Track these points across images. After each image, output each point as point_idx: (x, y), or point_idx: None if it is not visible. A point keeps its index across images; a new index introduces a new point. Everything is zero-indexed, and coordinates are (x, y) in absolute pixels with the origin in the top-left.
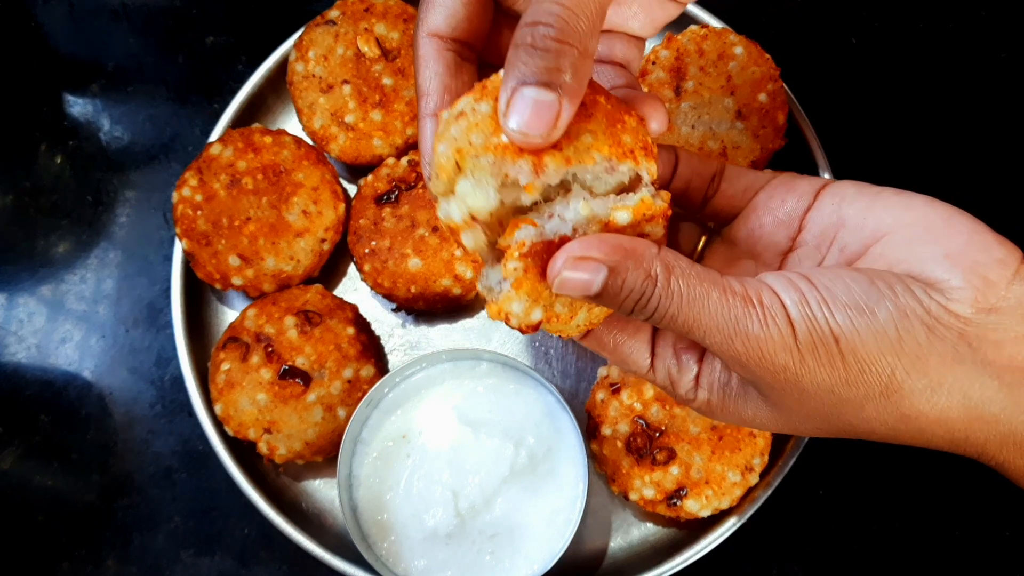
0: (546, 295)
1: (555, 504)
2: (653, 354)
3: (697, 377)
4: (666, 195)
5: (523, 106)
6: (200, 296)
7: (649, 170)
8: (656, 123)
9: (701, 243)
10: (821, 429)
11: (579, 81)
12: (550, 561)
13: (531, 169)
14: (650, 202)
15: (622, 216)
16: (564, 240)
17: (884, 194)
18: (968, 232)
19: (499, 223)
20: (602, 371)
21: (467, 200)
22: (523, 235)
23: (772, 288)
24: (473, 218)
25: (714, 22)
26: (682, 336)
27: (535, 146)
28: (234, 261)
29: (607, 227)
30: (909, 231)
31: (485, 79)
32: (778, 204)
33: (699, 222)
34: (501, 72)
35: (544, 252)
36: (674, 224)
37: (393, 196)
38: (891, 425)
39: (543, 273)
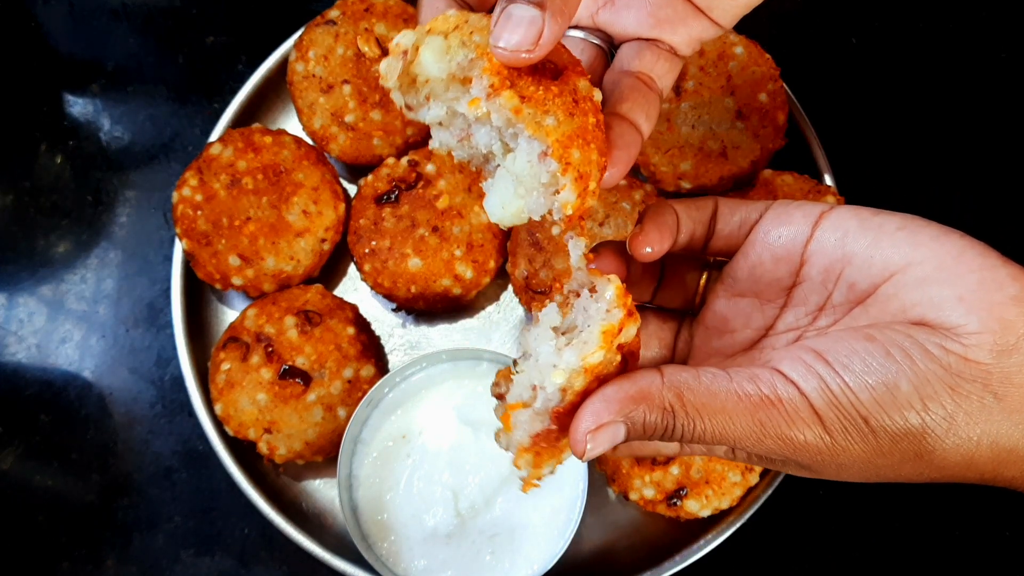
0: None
1: (555, 504)
2: None
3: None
4: (627, 301)
5: (509, 23)
6: (200, 296)
7: (566, 194)
8: (614, 172)
9: (703, 282)
10: (863, 481)
11: (566, 3)
12: (550, 561)
13: (488, 87)
14: (612, 324)
15: (596, 358)
16: (561, 413)
17: (887, 227)
18: (980, 269)
19: (426, 98)
20: None
21: (424, 48)
22: (520, 433)
23: (788, 377)
24: (404, 55)
25: None
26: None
27: (521, 61)
28: (234, 261)
29: (590, 372)
30: (919, 270)
31: None
32: (775, 238)
33: (698, 260)
34: None
35: (545, 430)
36: (673, 266)
37: (393, 196)
38: (927, 475)
39: (554, 436)
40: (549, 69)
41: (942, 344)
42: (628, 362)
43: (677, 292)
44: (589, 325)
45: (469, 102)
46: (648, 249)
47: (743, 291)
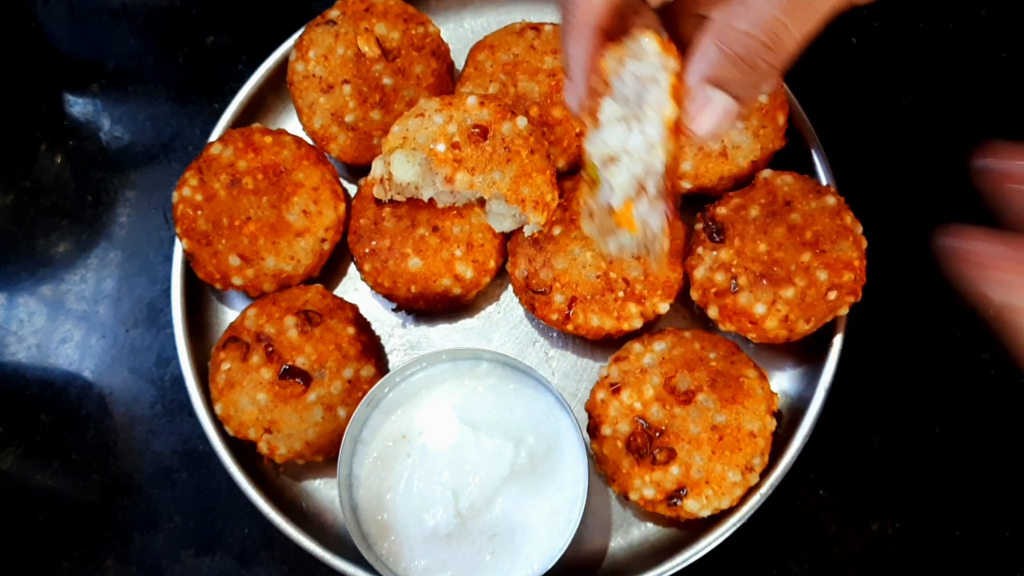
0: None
1: (555, 504)
2: None
3: None
4: (672, 49)
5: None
6: (200, 296)
7: (534, 219)
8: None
9: None
10: None
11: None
12: (550, 561)
13: (443, 179)
14: (675, 71)
15: (672, 111)
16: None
17: None
18: None
19: (416, 188)
20: (602, 371)
21: (393, 167)
22: (653, 225)
23: None
24: (384, 180)
25: None
26: None
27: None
28: (234, 261)
29: (670, 128)
30: None
31: (452, 96)
32: None
33: None
34: (463, 91)
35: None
36: None
37: None
38: None
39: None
40: (476, 134)
41: None
42: None
43: None
44: (649, 87)
45: (438, 192)
46: None
47: None
